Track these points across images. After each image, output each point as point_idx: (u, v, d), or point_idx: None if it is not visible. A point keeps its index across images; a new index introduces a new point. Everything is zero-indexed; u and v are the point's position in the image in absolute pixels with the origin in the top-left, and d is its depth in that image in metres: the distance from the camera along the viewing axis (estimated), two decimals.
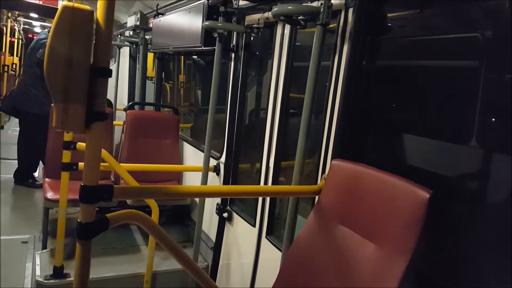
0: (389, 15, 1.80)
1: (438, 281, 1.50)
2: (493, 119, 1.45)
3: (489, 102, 1.43)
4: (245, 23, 2.77)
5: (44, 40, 4.85)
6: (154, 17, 4.10)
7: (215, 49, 2.82)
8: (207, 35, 2.86)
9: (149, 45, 4.58)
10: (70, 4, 0.96)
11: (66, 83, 0.98)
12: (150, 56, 5.08)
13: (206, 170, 2.92)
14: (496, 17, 1.43)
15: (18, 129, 5.22)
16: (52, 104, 3.88)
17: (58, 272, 2.75)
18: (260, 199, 2.51)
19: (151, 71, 5.67)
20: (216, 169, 3.10)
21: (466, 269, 1.45)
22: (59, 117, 1.01)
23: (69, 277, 2.76)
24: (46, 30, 6.09)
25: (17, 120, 5.45)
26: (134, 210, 1.30)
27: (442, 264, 1.50)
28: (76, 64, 0.98)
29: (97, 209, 1.15)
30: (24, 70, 5.49)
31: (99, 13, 1.04)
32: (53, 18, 0.98)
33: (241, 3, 2.63)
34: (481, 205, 1.48)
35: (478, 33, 1.50)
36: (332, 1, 1.75)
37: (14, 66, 9.28)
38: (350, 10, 1.80)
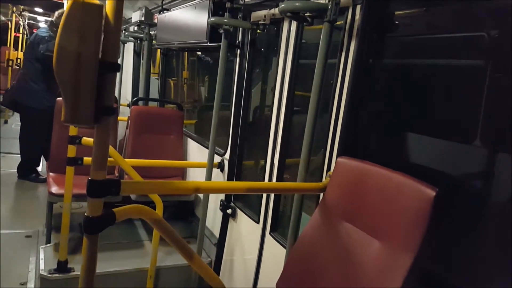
0: (396, 12, 1.79)
1: (445, 279, 1.49)
2: (500, 118, 1.44)
3: (495, 101, 1.42)
4: (251, 20, 2.76)
5: (44, 35, 4.79)
6: (159, 12, 4.09)
7: (220, 45, 2.82)
8: (213, 31, 2.85)
9: (153, 41, 4.57)
10: None
11: (75, 78, 0.99)
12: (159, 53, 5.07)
13: (210, 166, 2.92)
14: (502, 16, 1.43)
15: None
16: (57, 98, 3.85)
17: (62, 267, 2.76)
18: (264, 196, 2.51)
19: (158, 67, 5.66)
20: (221, 166, 3.11)
21: (474, 268, 1.45)
22: (68, 111, 1.01)
23: (73, 271, 2.76)
24: (46, 24, 6.02)
25: None
26: (140, 205, 1.30)
27: (449, 262, 1.49)
28: (85, 59, 0.99)
29: None
30: (23, 64, 5.45)
31: (108, 8, 1.04)
32: None
33: None
34: (487, 204, 1.47)
35: (484, 32, 1.49)
36: None
37: (18, 61, 9.30)
38: (358, 7, 1.79)
